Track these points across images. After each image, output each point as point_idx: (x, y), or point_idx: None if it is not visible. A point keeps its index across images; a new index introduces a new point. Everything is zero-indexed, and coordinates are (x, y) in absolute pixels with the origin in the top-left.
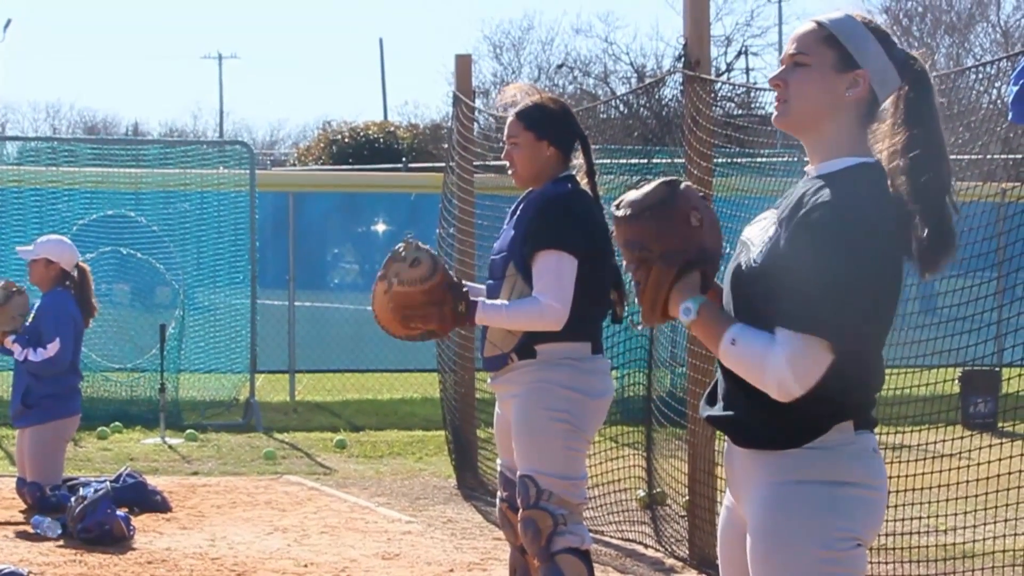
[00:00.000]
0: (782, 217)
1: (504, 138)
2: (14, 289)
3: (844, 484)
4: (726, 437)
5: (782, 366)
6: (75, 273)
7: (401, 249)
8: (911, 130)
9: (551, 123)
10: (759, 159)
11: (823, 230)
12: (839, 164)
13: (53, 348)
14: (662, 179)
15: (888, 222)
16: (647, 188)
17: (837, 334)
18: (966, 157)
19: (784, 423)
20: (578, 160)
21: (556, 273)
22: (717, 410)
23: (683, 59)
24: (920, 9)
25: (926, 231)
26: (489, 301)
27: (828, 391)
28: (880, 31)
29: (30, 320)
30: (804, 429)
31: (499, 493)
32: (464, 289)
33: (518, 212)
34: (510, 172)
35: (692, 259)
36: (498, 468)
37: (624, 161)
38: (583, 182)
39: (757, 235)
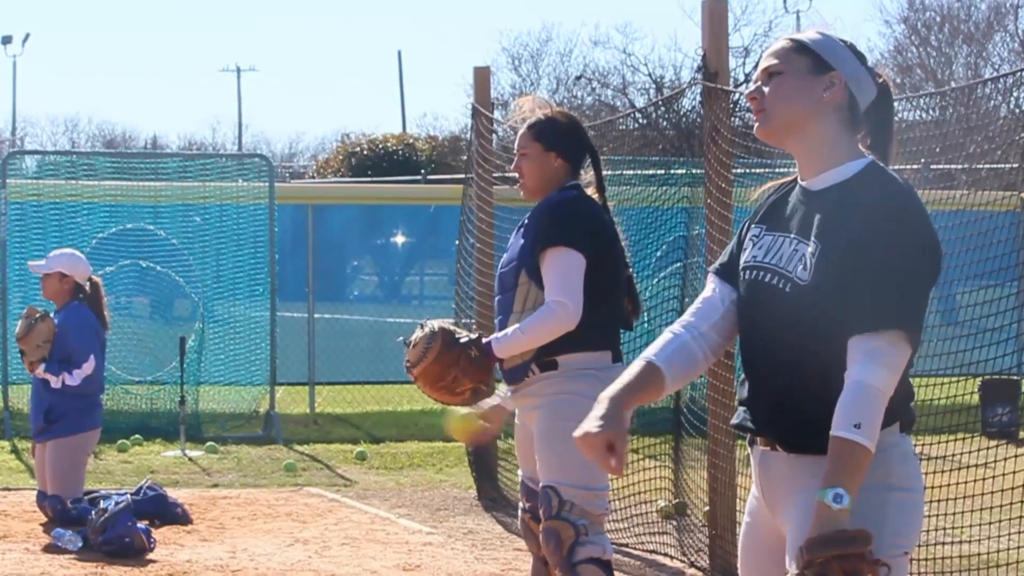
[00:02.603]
0: (817, 232)
1: (515, 150)
2: (37, 316)
3: (895, 488)
4: (759, 447)
5: (888, 378)
6: (87, 286)
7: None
8: (870, 136)
9: (560, 135)
10: (779, 169)
11: (885, 235)
12: (848, 170)
13: (89, 367)
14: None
15: (926, 214)
16: None
17: (912, 326)
18: (985, 167)
19: None
20: (588, 175)
21: (563, 270)
22: (760, 419)
23: (702, 70)
24: (938, 19)
25: None
26: (500, 334)
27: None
28: (850, 44)
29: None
30: None
31: (521, 504)
32: (468, 337)
33: (526, 223)
34: (519, 184)
35: None
36: (519, 479)
37: (643, 172)
38: (594, 196)
39: (780, 257)
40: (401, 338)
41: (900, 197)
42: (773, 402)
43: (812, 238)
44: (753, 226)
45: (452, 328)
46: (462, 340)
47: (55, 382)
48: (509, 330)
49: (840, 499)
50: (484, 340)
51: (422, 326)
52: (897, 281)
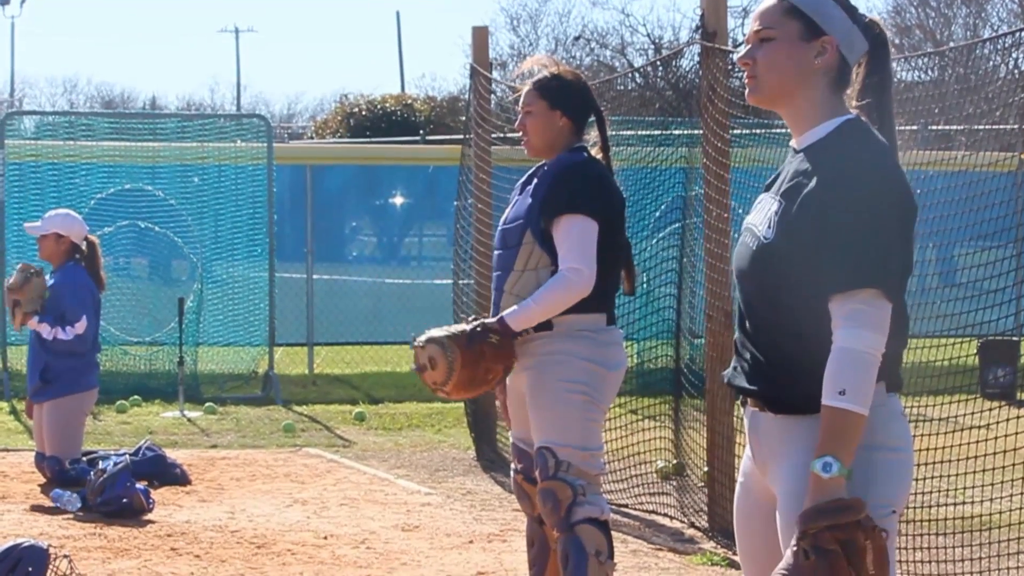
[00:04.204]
0: (783, 190)
1: (519, 107)
2: (32, 271)
3: (880, 448)
4: (749, 407)
5: (871, 338)
6: (84, 246)
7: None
8: (866, 83)
9: (566, 94)
10: (776, 129)
11: (841, 189)
12: (824, 129)
13: (81, 326)
14: None
15: (892, 164)
16: None
17: (887, 281)
18: (983, 128)
19: (819, 386)
20: (593, 134)
21: (578, 237)
22: (746, 378)
23: (700, 30)
24: None
25: None
26: (512, 308)
27: None
28: None
29: (46, 296)
30: None
31: (513, 465)
32: (474, 326)
33: (534, 181)
34: (523, 142)
35: None
36: (511, 440)
37: (643, 133)
38: (598, 157)
39: (758, 217)
40: (413, 367)
41: (861, 152)
42: (755, 362)
43: (778, 196)
44: (762, 193)
45: (455, 330)
46: (476, 332)
47: (47, 332)
48: (523, 303)
49: (829, 467)
50: (498, 318)
51: (421, 346)
52: (864, 237)
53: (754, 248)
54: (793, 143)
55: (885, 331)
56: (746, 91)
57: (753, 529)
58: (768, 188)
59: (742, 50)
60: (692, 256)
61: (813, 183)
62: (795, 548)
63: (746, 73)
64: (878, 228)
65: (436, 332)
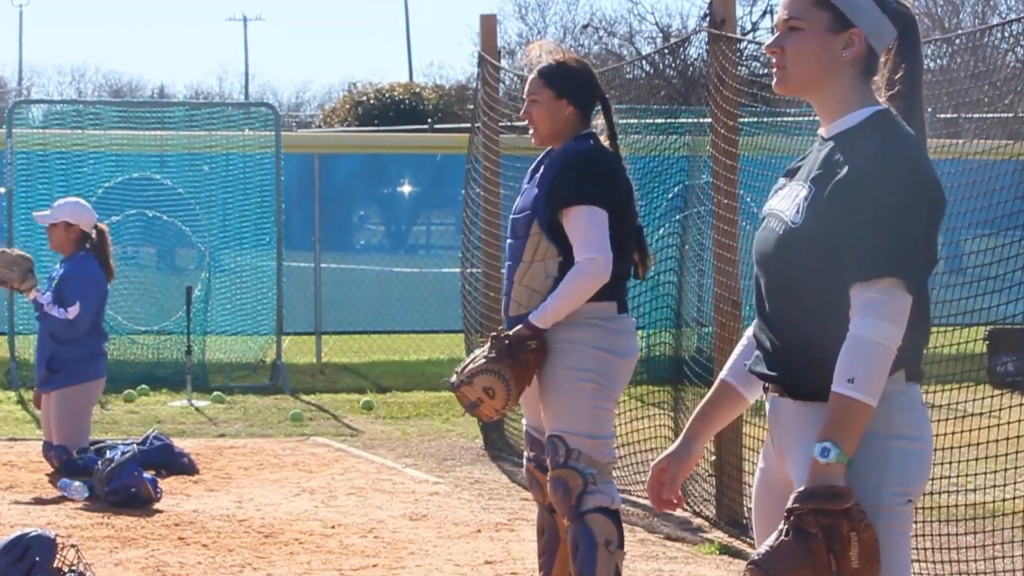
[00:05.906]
0: (813, 176)
1: (525, 95)
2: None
3: (897, 437)
4: (770, 393)
5: (887, 328)
6: (94, 234)
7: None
8: (895, 75)
9: (572, 82)
10: (785, 118)
11: (872, 179)
12: (855, 118)
13: (73, 311)
14: None
15: (922, 156)
16: None
17: (909, 272)
18: (992, 116)
19: None
20: (599, 122)
21: (589, 226)
22: (766, 364)
23: (708, 18)
24: None
25: None
26: (536, 308)
27: None
28: None
29: (54, 285)
30: None
31: (526, 453)
32: (515, 335)
33: (540, 170)
34: (530, 131)
35: None
36: (524, 428)
37: (650, 121)
38: (605, 144)
39: (785, 203)
40: (464, 407)
41: (894, 143)
42: (775, 348)
43: (808, 182)
44: (781, 179)
45: (492, 354)
46: (514, 345)
47: (44, 301)
48: (545, 301)
49: (827, 453)
50: (526, 323)
51: (469, 384)
52: (889, 228)
53: (780, 232)
54: (821, 131)
55: (903, 323)
56: (774, 80)
57: (771, 515)
58: (790, 174)
59: (769, 38)
60: (698, 245)
61: (844, 172)
62: (781, 527)
63: (774, 62)
64: (904, 219)
65: (475, 364)
